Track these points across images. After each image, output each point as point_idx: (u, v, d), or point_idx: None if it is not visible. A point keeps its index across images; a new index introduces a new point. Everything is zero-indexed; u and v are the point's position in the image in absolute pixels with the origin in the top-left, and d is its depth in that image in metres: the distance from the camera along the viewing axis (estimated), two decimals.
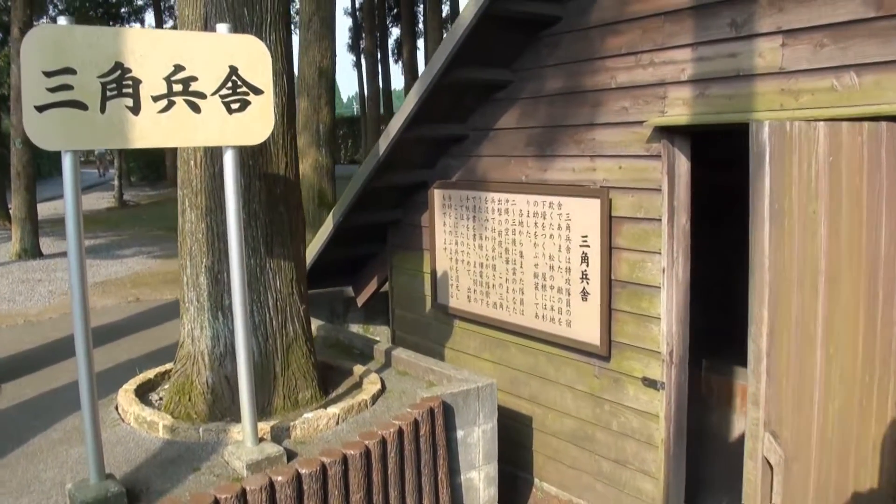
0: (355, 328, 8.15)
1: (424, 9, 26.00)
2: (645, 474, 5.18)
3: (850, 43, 3.89)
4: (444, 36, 5.43)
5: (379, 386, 5.03)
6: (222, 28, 3.75)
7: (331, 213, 6.84)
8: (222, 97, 3.72)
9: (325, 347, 5.94)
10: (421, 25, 27.24)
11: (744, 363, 3.39)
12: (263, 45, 3.83)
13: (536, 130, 5.61)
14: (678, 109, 4.67)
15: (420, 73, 5.86)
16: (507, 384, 6.09)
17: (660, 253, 4.86)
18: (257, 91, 3.81)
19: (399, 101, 29.39)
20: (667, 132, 4.73)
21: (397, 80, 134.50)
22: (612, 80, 5.03)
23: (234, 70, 3.73)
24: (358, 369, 5.37)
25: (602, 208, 5.09)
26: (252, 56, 3.78)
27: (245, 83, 3.77)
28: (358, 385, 5.15)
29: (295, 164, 4.85)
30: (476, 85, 5.81)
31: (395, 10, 31.90)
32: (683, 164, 4.81)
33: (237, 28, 4.26)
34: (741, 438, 3.48)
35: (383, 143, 6.10)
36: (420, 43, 27.09)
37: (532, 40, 5.53)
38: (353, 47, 40.32)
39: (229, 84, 3.74)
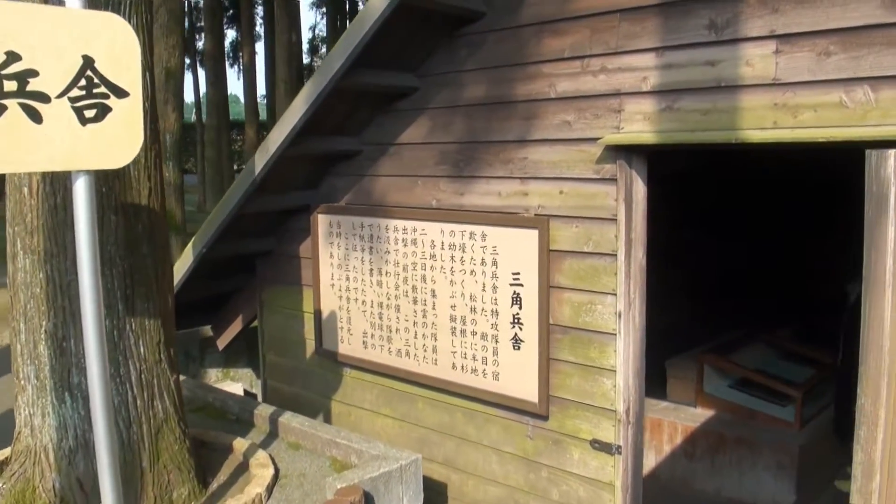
0: (214, 374, 6.98)
1: (265, 10, 24.55)
2: None
3: (865, 52, 3.23)
4: (348, 28, 4.46)
5: (271, 469, 3.99)
6: (73, 2, 2.64)
7: (190, 243, 5.68)
8: (72, 100, 2.62)
9: (191, 412, 4.81)
10: (259, 28, 25.78)
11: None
12: (131, 29, 2.73)
13: (451, 146, 4.72)
14: (638, 125, 3.90)
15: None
16: (414, 445, 5.16)
17: (613, 294, 4.09)
18: (121, 93, 2.73)
19: (234, 109, 27.71)
20: (624, 152, 3.96)
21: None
22: (550, 88, 4.21)
23: (89, 62, 2.63)
24: (239, 445, 4.29)
25: (540, 240, 4.27)
26: (116, 43, 2.69)
27: (104, 81, 2.67)
28: (243, 468, 4.09)
29: (160, 189, 3.74)
30: (373, 92, 4.86)
31: (231, 11, 30.16)
32: (641, 190, 4.06)
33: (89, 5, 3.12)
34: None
35: (260, 161, 5.03)
36: (258, 47, 25.63)
37: (446, 40, 4.64)
38: (188, 49, 37.89)
39: (82, 81, 2.63)
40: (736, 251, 9.01)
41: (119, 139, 2.74)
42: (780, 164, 8.07)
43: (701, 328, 7.73)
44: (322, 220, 5.45)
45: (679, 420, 6.92)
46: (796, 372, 7.43)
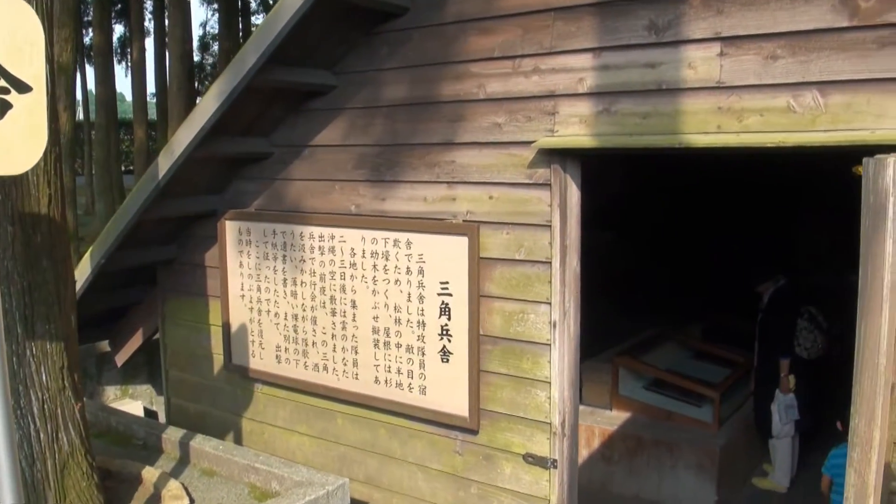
0: (112, 391, 6.53)
1: (154, 4, 23.57)
2: None
3: (814, 56, 3.14)
4: (263, 23, 4.14)
5: (186, 501, 3.67)
6: None
7: (87, 254, 5.24)
8: None
9: (94, 437, 4.41)
10: (147, 23, 24.74)
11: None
12: (36, 16, 2.39)
13: (371, 149, 4.46)
14: (574, 129, 3.74)
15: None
16: (334, 464, 4.89)
17: (547, 303, 3.92)
18: (23, 87, 2.38)
19: (120, 107, 26.51)
20: (558, 156, 3.79)
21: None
22: (479, 89, 4.01)
23: None
24: (149, 475, 3.95)
25: (470, 248, 4.06)
26: (18, 31, 2.34)
27: (4, 74, 2.33)
28: (155, 501, 3.75)
29: (61, 196, 3.38)
30: (288, 90, 4.56)
31: (119, 5, 28.85)
32: (575, 195, 3.90)
33: None
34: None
35: (164, 164, 4.66)
36: (148, 43, 24.58)
37: (366, 37, 4.38)
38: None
39: None
40: (646, 252, 9.02)
41: (20, 140, 2.39)
42: (694, 167, 8.07)
43: (614, 330, 7.68)
44: (230, 227, 5.11)
45: (595, 423, 6.83)
46: (710, 372, 7.46)
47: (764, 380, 6.83)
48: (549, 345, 3.95)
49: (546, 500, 4.10)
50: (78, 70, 32.35)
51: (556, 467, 4.04)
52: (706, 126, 3.39)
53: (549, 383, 3.99)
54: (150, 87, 27.12)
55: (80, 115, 30.75)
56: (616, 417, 6.94)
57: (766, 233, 9.02)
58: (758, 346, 6.95)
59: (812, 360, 6.74)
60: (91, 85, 26.29)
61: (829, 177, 5.22)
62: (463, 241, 4.09)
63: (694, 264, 9.29)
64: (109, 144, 19.67)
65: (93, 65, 22.93)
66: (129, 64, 25.51)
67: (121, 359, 6.25)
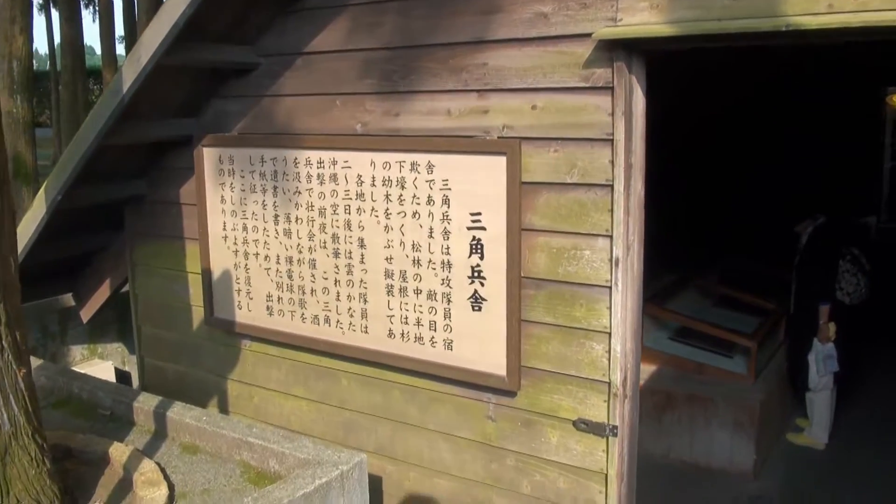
0: (78, 351, 5.75)
1: None
2: None
3: None
4: None
5: (164, 488, 2.95)
6: None
7: (42, 189, 4.40)
8: None
9: (52, 408, 3.67)
10: None
11: None
12: None
13: (379, 53, 3.66)
14: (643, 16, 2.97)
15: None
16: (337, 432, 4.18)
17: (606, 236, 3.19)
18: None
19: (89, 61, 25.17)
20: (623, 51, 3.03)
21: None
22: None
23: None
24: (118, 453, 3.22)
25: (509, 170, 3.31)
26: None
27: None
28: (126, 486, 3.02)
29: None
30: None
31: None
32: (641, 102, 3.16)
33: None
34: None
35: (129, 74, 3.81)
36: None
37: None
38: None
39: None
40: (663, 186, 8.31)
41: None
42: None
43: None
44: (209, 155, 4.31)
45: None
46: (739, 320, 6.80)
47: (800, 328, 6.18)
48: (609, 287, 3.23)
49: (602, 475, 3.41)
50: (44, 16, 30.84)
51: (615, 435, 3.34)
52: (815, 5, 2.64)
53: (609, 334, 3.27)
54: (119, 30, 25.91)
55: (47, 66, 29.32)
56: (641, 371, 6.25)
57: (797, 167, 8.30)
58: (794, 291, 6.28)
59: (854, 306, 6.08)
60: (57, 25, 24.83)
61: None
62: (499, 163, 3.33)
63: (714, 201, 8.57)
64: (76, 88, 18.48)
65: (58, 8, 21.58)
66: (97, 8, 24.15)
67: (87, 314, 5.44)
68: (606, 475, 3.40)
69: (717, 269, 8.07)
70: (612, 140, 3.09)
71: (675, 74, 5.28)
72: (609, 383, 3.31)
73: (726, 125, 8.59)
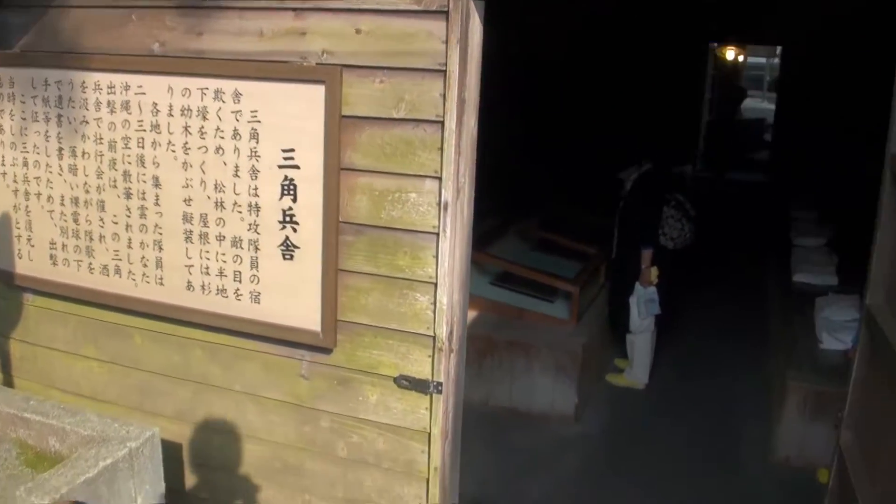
0: None
1: None
2: None
3: None
4: None
5: None
6: None
7: None
8: None
9: None
10: None
11: None
12: None
13: None
14: None
15: None
16: (132, 396, 3.70)
17: (435, 177, 2.89)
18: None
19: None
20: None
21: None
22: None
23: None
24: None
25: (328, 101, 2.93)
26: None
27: None
28: None
29: None
30: None
31: None
32: (478, 31, 2.87)
33: None
34: None
35: None
36: None
37: None
38: None
39: None
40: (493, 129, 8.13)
41: None
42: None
43: None
44: None
45: None
46: (560, 265, 6.76)
47: (623, 272, 6.20)
48: (437, 234, 2.94)
49: (425, 433, 3.17)
50: None
51: (439, 392, 3.10)
52: None
53: (435, 284, 3.00)
54: None
55: None
56: None
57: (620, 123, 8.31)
58: (618, 236, 6.29)
59: (677, 251, 6.15)
60: None
61: None
62: (316, 93, 2.94)
63: (538, 145, 8.48)
64: None
65: None
66: None
67: None
68: (430, 434, 3.15)
69: (540, 214, 8.01)
70: (444, 71, 2.77)
71: (509, 7, 5.04)
72: (434, 337, 3.05)
73: (553, 71, 8.50)
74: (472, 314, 6.06)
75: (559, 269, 6.58)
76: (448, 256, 2.95)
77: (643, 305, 6.03)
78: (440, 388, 3.08)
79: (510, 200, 7.75)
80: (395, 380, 3.14)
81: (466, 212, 3.01)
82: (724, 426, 5.87)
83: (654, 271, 5.96)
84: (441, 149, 2.84)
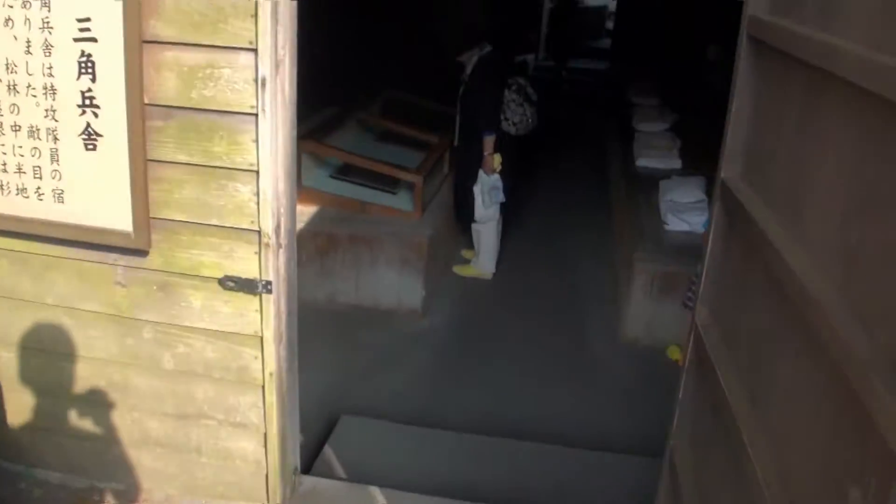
0: None
1: None
2: (238, 428, 3.09)
3: None
4: None
5: None
6: None
7: None
8: None
9: None
10: None
11: None
12: None
13: None
14: None
15: None
16: None
17: (250, 49, 2.56)
18: None
19: None
20: None
21: None
22: None
23: None
24: None
25: None
26: None
27: None
28: None
29: None
30: None
31: None
32: None
33: None
34: None
35: None
36: None
37: None
38: None
39: None
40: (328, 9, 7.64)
41: None
42: None
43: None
44: None
45: None
46: (403, 155, 6.51)
47: (466, 159, 6.01)
48: (255, 114, 2.62)
49: (256, 338, 2.92)
50: None
51: (269, 291, 2.84)
52: None
53: (256, 173, 2.70)
54: None
55: None
56: (302, 213, 5.78)
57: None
58: (459, 122, 6.07)
59: (520, 137, 6.00)
60: None
61: None
62: None
63: (376, 27, 8.06)
64: None
65: None
66: None
67: None
68: (262, 338, 2.91)
69: (380, 102, 7.68)
70: None
71: None
72: (259, 232, 2.77)
73: None
74: (311, 209, 5.80)
75: (402, 159, 6.33)
76: (270, 140, 2.64)
77: (487, 194, 5.89)
78: (270, 287, 2.82)
79: (349, 89, 7.39)
80: (220, 281, 2.86)
81: (288, 90, 2.69)
82: (573, 311, 5.89)
83: (496, 158, 5.80)
84: (255, 16, 2.50)
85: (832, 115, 1.70)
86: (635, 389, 4.93)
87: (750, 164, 2.35)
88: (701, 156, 7.30)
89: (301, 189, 5.84)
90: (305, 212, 5.78)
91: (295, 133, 2.83)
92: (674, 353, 5.32)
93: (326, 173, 6.20)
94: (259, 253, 2.81)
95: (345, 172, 6.20)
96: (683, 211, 5.89)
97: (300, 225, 5.58)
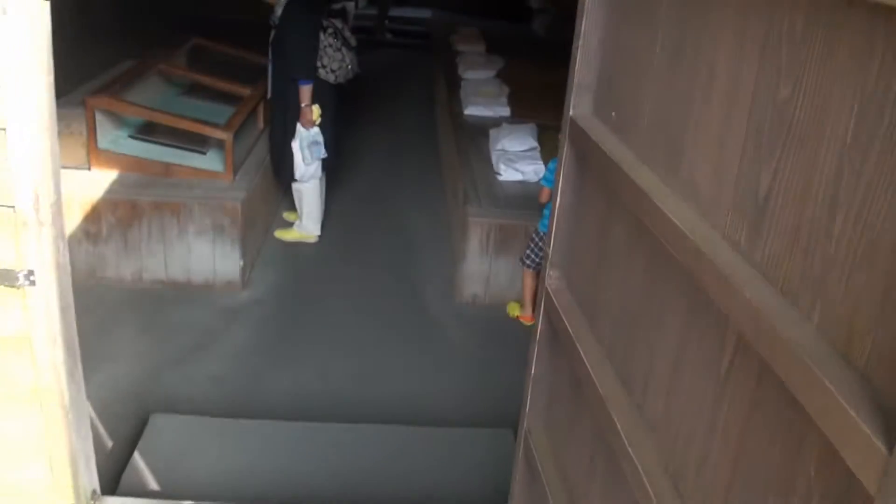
0: None
1: None
2: (12, 455, 2.52)
3: None
4: None
5: None
6: None
7: None
8: None
9: None
10: None
11: None
12: None
13: None
14: None
15: None
16: None
17: None
18: None
19: None
20: None
21: None
22: None
23: None
24: None
25: None
26: None
27: None
28: None
29: None
30: None
31: None
32: None
33: None
34: None
35: None
36: None
37: None
38: None
39: None
40: None
41: None
42: None
43: (81, 61, 5.58)
44: None
45: (71, 191, 4.87)
46: (211, 110, 5.88)
47: (282, 112, 5.45)
48: None
49: (23, 341, 2.34)
50: None
51: (34, 283, 2.26)
52: None
53: (4, 130, 2.11)
54: None
55: None
56: (98, 180, 5.08)
57: None
58: (272, 71, 5.49)
59: (339, 85, 5.48)
60: None
61: None
62: None
63: None
64: None
65: None
66: None
67: None
68: (30, 341, 2.34)
69: (185, 52, 6.92)
70: None
71: None
72: (13, 208, 2.18)
73: None
74: (109, 175, 5.11)
75: (211, 114, 5.69)
76: (16, 86, 2.06)
77: (307, 149, 5.36)
78: (33, 277, 2.24)
79: (151, 37, 6.64)
80: None
81: (39, 17, 2.09)
82: (408, 273, 5.51)
83: (315, 109, 5.27)
84: None
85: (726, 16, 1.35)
86: (477, 353, 4.63)
87: (604, 99, 2.00)
88: (530, 102, 7.07)
89: (97, 152, 5.17)
90: (102, 178, 5.09)
91: (52, 76, 2.23)
92: (513, 310, 5.07)
93: (125, 134, 5.50)
94: (15, 235, 2.22)
95: (146, 132, 5.52)
96: (516, 160, 5.61)
97: (96, 195, 4.91)
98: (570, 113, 2.08)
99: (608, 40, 1.96)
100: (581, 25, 2.00)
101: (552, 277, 2.24)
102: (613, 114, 1.90)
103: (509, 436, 3.48)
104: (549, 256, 2.24)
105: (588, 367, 1.90)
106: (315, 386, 4.15)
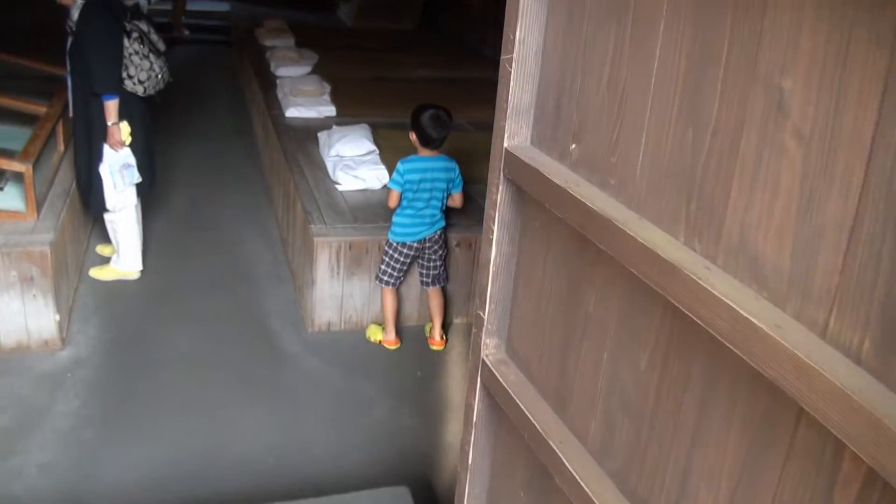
0: None
1: None
2: None
3: None
4: None
5: None
6: None
7: None
8: None
9: None
10: None
11: None
12: None
13: None
14: None
15: None
16: None
17: None
18: None
19: None
20: None
21: None
22: None
23: None
24: None
25: None
26: None
27: None
28: None
29: None
30: None
31: None
32: None
33: None
34: None
35: None
36: None
37: None
38: None
39: None
40: None
41: None
42: None
43: None
44: None
45: None
46: (2, 135, 5.03)
47: (86, 133, 4.74)
48: None
49: None
50: None
51: None
52: None
53: None
54: None
55: None
56: None
57: None
58: (71, 85, 4.76)
59: (150, 97, 4.82)
60: None
61: None
62: None
63: None
64: None
65: None
66: None
67: None
68: None
69: None
70: None
71: None
72: None
73: None
74: None
75: (2, 140, 4.87)
76: None
77: (118, 174, 4.68)
78: None
79: None
80: None
81: None
82: (248, 303, 4.96)
83: (124, 128, 4.59)
84: None
85: None
86: (343, 388, 4.20)
87: (551, 126, 1.62)
88: (355, 99, 6.64)
89: None
90: None
91: None
92: (374, 334, 4.69)
93: None
94: None
95: None
96: (355, 166, 5.18)
97: None
98: (505, 144, 1.69)
99: (554, 48, 1.59)
100: (515, 31, 1.60)
101: (489, 347, 1.86)
102: (573, 146, 1.53)
103: (407, 495, 3.09)
104: (484, 322, 1.85)
105: (566, 464, 1.54)
106: (165, 461, 3.56)
